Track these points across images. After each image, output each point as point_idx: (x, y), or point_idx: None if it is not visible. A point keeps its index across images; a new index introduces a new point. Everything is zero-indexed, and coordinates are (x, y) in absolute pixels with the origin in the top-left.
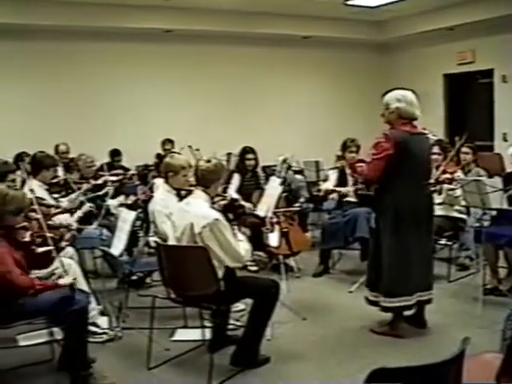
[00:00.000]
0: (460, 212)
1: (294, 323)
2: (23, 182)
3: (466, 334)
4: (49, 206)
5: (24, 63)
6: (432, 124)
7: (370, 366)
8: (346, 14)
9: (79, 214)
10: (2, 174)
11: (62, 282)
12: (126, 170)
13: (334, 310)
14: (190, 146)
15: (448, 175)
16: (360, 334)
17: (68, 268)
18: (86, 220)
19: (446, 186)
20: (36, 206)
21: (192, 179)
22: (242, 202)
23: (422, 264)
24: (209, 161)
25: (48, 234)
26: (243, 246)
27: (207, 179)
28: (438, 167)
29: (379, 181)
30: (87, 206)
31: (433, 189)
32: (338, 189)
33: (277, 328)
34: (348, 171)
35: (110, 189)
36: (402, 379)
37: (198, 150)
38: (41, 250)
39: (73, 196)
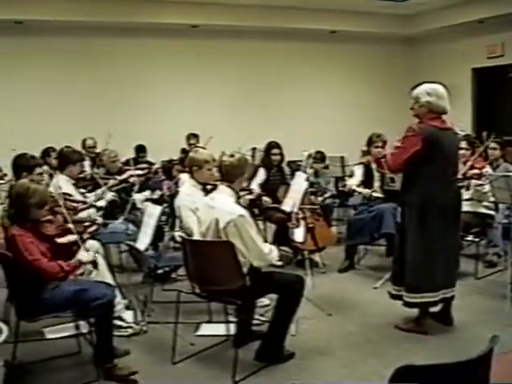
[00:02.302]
0: (488, 208)
1: (318, 319)
2: (51, 177)
3: (493, 332)
4: (75, 201)
5: (51, 59)
6: (459, 119)
7: (395, 363)
8: (374, 8)
9: (103, 202)
10: (29, 168)
11: (84, 259)
12: (151, 164)
13: (359, 306)
14: (210, 138)
15: (476, 171)
16: (385, 330)
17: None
18: (110, 213)
19: (473, 181)
20: (61, 201)
21: (217, 173)
22: (264, 197)
23: (448, 261)
24: (232, 155)
25: (71, 226)
26: (268, 245)
27: (231, 174)
28: (465, 162)
29: (405, 175)
30: (110, 195)
31: (460, 184)
32: (359, 190)
33: (301, 324)
34: (374, 166)
35: (135, 180)
36: (428, 377)
37: (211, 137)
38: (64, 240)
39: (99, 191)
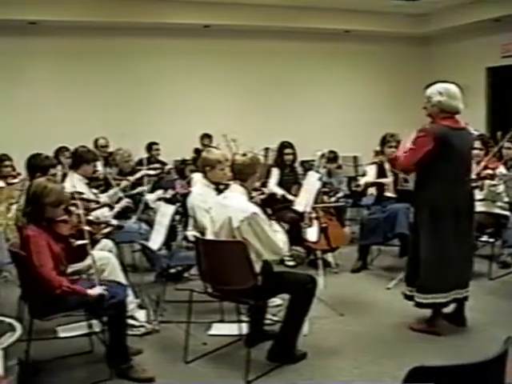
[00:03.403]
0: (502, 208)
1: (331, 319)
2: (64, 176)
3: (507, 333)
4: (88, 201)
5: (65, 59)
6: (473, 118)
7: (408, 364)
8: (387, 8)
9: (117, 209)
10: (43, 168)
11: (91, 292)
12: (164, 164)
13: (371, 307)
14: (224, 136)
15: (490, 171)
16: (398, 330)
17: (106, 262)
18: (123, 214)
19: (487, 181)
20: (77, 201)
21: (229, 173)
22: (288, 196)
23: (461, 261)
24: (244, 154)
25: (86, 228)
26: (281, 238)
27: (244, 173)
28: (479, 162)
29: (417, 176)
30: (125, 202)
31: (474, 185)
32: (378, 180)
33: (314, 323)
34: (387, 166)
35: (148, 183)
36: (442, 378)
37: (234, 140)
38: (77, 243)
39: (111, 192)
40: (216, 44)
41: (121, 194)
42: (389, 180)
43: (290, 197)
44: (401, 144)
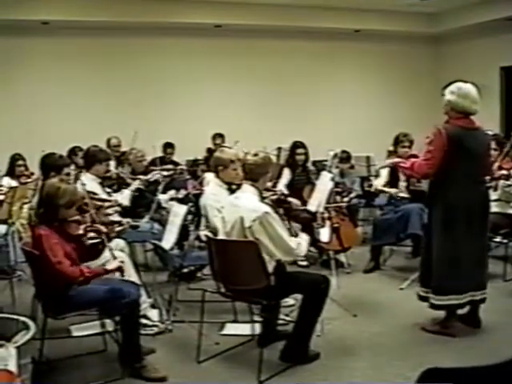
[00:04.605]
0: None
1: (344, 319)
2: (77, 176)
3: None
4: (101, 200)
5: (77, 59)
6: (487, 118)
7: (421, 365)
8: (399, 7)
9: (129, 192)
10: (57, 168)
11: (109, 266)
12: (177, 164)
13: (384, 307)
14: (236, 142)
15: (504, 171)
16: (411, 331)
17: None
18: (134, 212)
19: (501, 182)
20: (89, 200)
21: (242, 173)
22: (290, 198)
23: (475, 262)
24: (256, 154)
25: (100, 227)
26: (295, 240)
27: (255, 173)
28: (493, 163)
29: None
30: (136, 183)
31: (488, 185)
32: (386, 189)
33: (327, 324)
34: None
35: (159, 178)
36: (455, 380)
37: (237, 141)
38: (90, 242)
39: (125, 192)
40: (227, 44)
41: (132, 189)
42: (396, 190)
43: (292, 199)
44: (413, 144)
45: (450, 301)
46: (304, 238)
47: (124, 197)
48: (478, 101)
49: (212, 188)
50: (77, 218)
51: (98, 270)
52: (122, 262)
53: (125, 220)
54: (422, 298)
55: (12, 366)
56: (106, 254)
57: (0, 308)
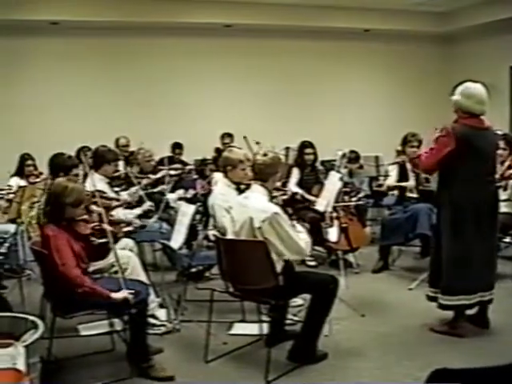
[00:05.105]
0: None
1: (352, 319)
2: (85, 176)
3: None
4: (109, 199)
5: (86, 59)
6: (496, 118)
7: (429, 366)
8: (408, 6)
9: (139, 211)
10: (66, 168)
11: (114, 295)
12: (185, 164)
13: (393, 307)
14: (245, 137)
15: None
16: (419, 332)
17: (127, 261)
18: (144, 214)
19: (511, 182)
20: (98, 199)
21: (250, 173)
22: (306, 196)
23: (484, 262)
24: (265, 154)
25: (108, 227)
26: (303, 238)
27: (264, 173)
28: (503, 162)
29: (439, 176)
30: (147, 205)
31: (498, 185)
32: (400, 184)
33: (335, 324)
34: (409, 166)
35: (169, 183)
36: (464, 381)
37: (258, 143)
38: (98, 241)
39: (132, 190)
40: (236, 44)
41: (141, 193)
42: (411, 183)
43: (309, 197)
44: (422, 144)
45: (459, 301)
46: (305, 235)
47: (130, 193)
48: (485, 101)
49: (220, 188)
50: (85, 217)
51: (101, 291)
52: (132, 293)
53: (136, 221)
54: (431, 299)
55: (21, 365)
56: (113, 294)
57: (9, 307)
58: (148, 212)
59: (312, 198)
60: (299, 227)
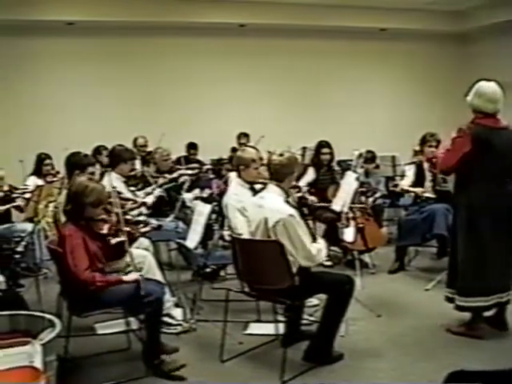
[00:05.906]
0: None
1: (368, 320)
2: (102, 175)
3: None
4: (125, 199)
5: (102, 59)
6: None
7: (446, 367)
8: (425, 5)
9: (152, 198)
10: (81, 166)
11: (126, 278)
12: (202, 163)
13: (409, 308)
14: (262, 137)
15: None
16: (436, 333)
17: (142, 260)
18: (159, 210)
19: None
20: (116, 200)
21: (265, 172)
22: (307, 195)
23: (501, 264)
24: (281, 154)
25: (125, 228)
26: (315, 246)
27: (280, 173)
28: None
29: (457, 176)
30: (158, 191)
31: None
32: (412, 189)
33: (351, 324)
34: (426, 166)
35: (186, 179)
36: (481, 383)
37: (263, 136)
38: (115, 240)
39: (149, 189)
40: (251, 43)
41: (157, 191)
42: (422, 190)
43: (309, 196)
44: (441, 144)
45: (476, 303)
46: (323, 245)
47: (147, 192)
48: (498, 99)
49: (234, 188)
50: (103, 217)
51: (114, 278)
52: (142, 275)
53: (152, 220)
54: (449, 300)
55: (38, 363)
56: (124, 276)
57: (26, 306)
58: (160, 200)
59: (313, 197)
60: (320, 240)
